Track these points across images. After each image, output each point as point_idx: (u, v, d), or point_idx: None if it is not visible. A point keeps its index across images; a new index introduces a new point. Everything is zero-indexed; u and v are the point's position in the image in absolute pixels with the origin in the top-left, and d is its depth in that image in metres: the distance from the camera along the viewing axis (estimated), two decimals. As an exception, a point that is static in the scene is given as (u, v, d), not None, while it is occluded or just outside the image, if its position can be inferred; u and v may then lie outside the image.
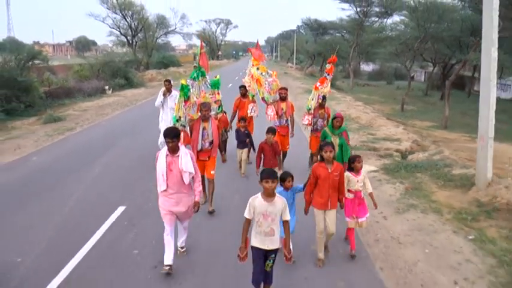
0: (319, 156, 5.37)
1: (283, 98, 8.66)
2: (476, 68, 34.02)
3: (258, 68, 8.88)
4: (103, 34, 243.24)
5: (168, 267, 4.84)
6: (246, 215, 4.17)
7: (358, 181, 5.37)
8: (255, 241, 4.21)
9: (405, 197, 7.51)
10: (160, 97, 9.42)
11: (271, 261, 4.25)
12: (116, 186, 8.16)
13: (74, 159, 10.13)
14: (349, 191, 5.38)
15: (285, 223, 4.20)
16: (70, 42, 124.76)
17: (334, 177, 5.02)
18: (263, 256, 4.20)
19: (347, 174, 5.39)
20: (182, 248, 5.42)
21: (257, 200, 4.13)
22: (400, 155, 11.06)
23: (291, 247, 4.37)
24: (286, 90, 8.83)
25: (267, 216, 4.12)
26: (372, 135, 13.28)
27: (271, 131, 7.06)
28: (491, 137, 7.33)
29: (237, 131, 8.88)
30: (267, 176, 4.06)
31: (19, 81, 15.67)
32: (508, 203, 6.64)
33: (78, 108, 18.58)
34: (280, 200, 4.16)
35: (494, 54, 7.14)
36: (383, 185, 8.25)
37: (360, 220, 5.42)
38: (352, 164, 5.43)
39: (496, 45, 7.15)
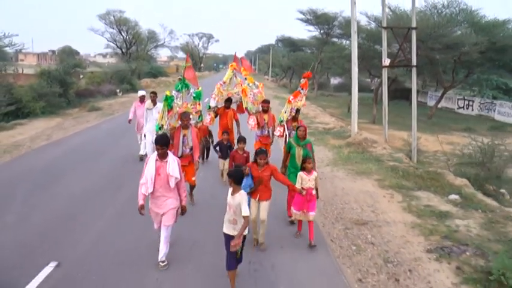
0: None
1: (265, 111, 9.28)
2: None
3: (246, 79, 9.46)
4: (84, 44, 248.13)
5: (163, 264, 5.39)
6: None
7: (309, 180, 6.08)
8: (224, 227, 4.81)
9: (313, 143, 14.45)
10: (144, 110, 10.47)
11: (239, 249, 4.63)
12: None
13: (125, 126, 16.63)
14: (302, 188, 6.03)
15: (243, 217, 4.61)
16: (53, 52, 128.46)
17: (264, 176, 5.79)
18: (230, 241, 4.59)
19: (300, 173, 6.20)
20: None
21: (229, 192, 4.79)
22: (323, 130, 18.11)
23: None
24: (268, 103, 9.39)
25: (230, 207, 4.72)
26: (311, 121, 20.38)
27: (241, 140, 7.79)
28: (356, 110, 14.64)
29: (220, 144, 9.36)
30: (228, 174, 4.89)
31: (67, 82, 22.05)
32: (358, 141, 13.77)
33: (103, 104, 24.93)
34: (239, 196, 4.64)
35: (356, 69, 14.38)
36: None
37: (309, 213, 6.13)
38: (304, 164, 6.25)
39: (356, 65, 14.41)
